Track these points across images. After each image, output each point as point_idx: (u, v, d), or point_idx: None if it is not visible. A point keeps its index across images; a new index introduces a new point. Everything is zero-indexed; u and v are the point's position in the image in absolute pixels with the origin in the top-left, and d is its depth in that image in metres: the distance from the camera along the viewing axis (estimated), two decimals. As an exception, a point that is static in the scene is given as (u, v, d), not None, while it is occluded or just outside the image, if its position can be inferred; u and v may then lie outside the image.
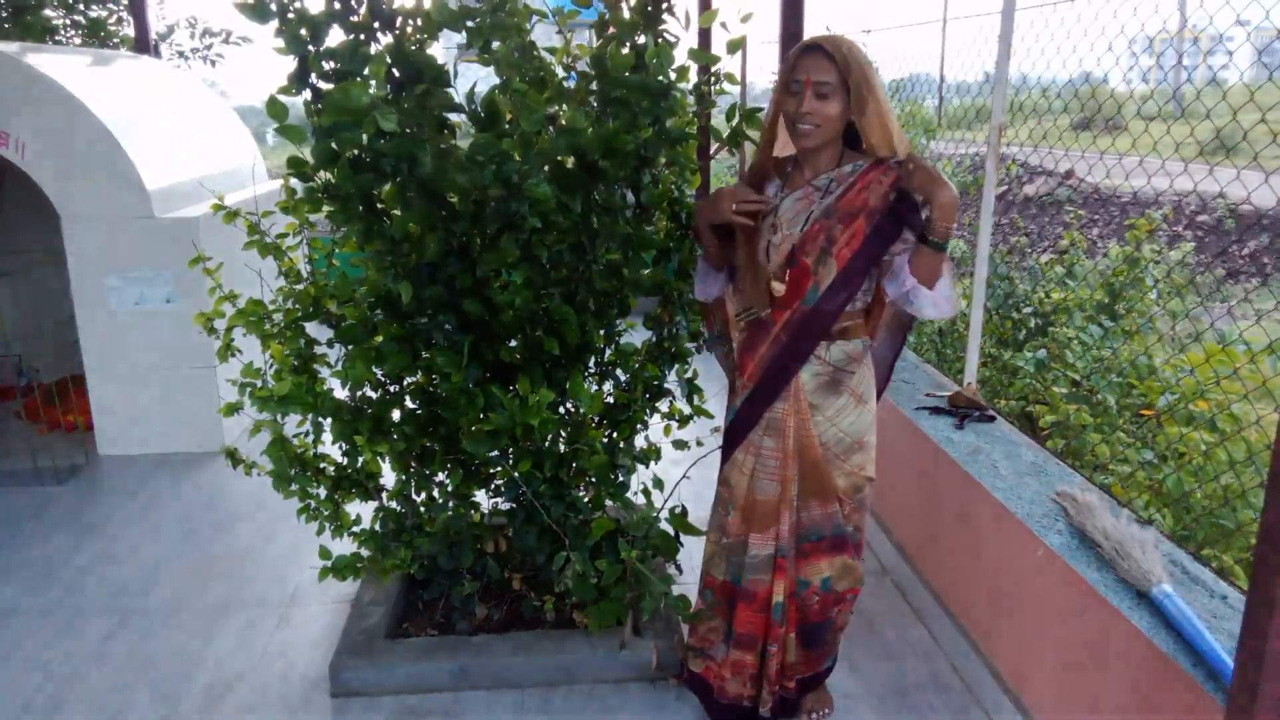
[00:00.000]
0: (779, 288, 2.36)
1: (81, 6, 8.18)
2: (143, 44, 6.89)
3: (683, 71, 2.46)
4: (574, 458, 2.96)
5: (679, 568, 3.11)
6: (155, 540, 3.98)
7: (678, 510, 3.04)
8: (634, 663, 2.96)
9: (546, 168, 2.50)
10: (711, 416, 3.19)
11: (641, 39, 2.54)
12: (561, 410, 3.03)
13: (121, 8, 8.08)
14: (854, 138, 2.34)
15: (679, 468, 3.34)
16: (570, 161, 2.57)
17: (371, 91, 2.23)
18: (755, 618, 2.60)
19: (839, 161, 2.35)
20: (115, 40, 8.15)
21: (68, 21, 8.22)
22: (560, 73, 2.67)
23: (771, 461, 2.48)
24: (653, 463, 3.24)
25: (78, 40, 8.12)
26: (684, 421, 3.24)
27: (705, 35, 6.75)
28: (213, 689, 2.98)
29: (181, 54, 8.33)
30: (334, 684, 2.93)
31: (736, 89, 2.87)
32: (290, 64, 2.40)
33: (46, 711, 2.89)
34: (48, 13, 7.97)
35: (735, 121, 2.64)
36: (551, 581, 3.22)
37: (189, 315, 4.72)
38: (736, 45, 2.57)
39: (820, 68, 2.20)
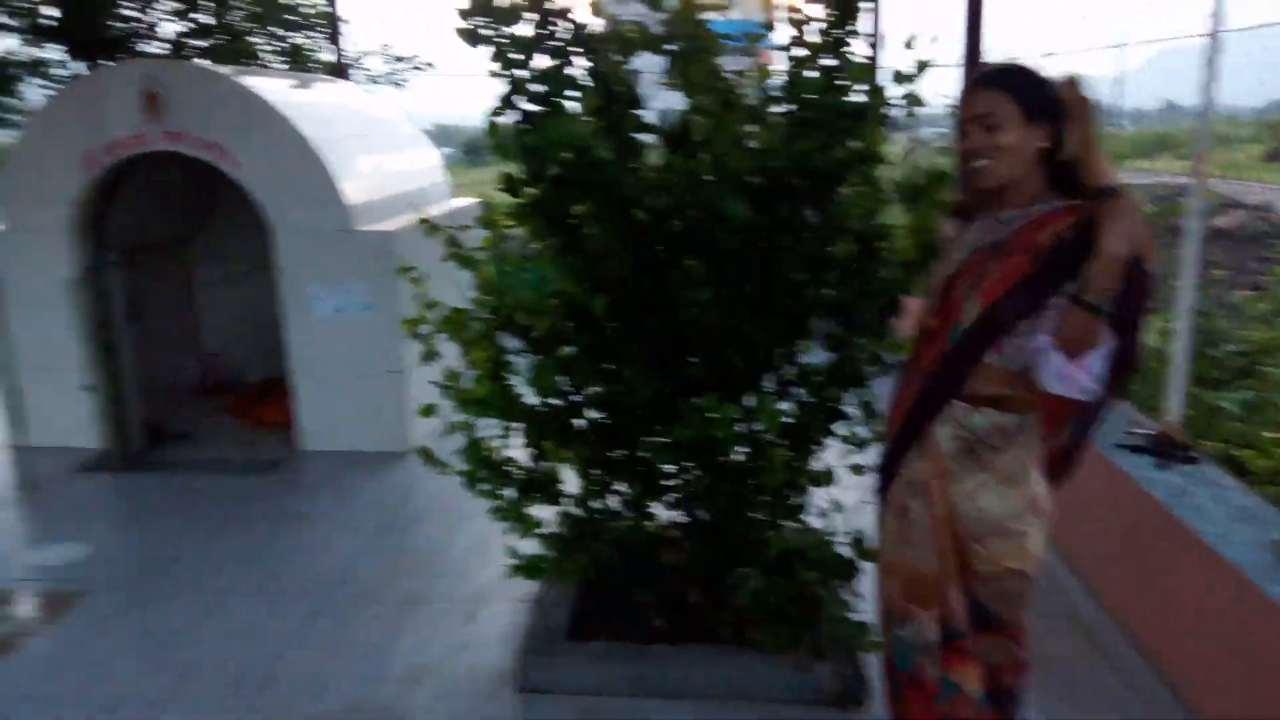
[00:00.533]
0: (930, 321, 2.16)
1: (283, 33, 8.84)
2: (338, 68, 7.38)
3: (877, 93, 2.45)
4: (753, 475, 2.97)
5: (858, 594, 3.07)
6: (351, 532, 4.26)
7: (856, 535, 3.00)
8: (813, 686, 2.94)
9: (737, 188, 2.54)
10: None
11: (830, 60, 2.55)
12: (741, 428, 3.06)
13: (321, 35, 8.69)
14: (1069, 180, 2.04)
15: (853, 494, 3.30)
16: (759, 181, 2.60)
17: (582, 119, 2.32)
18: (926, 713, 2.26)
19: (1034, 200, 2.05)
20: (312, 65, 8.77)
21: (272, 48, 8.90)
22: (749, 95, 2.70)
23: (919, 529, 2.18)
24: (826, 486, 3.22)
25: (279, 66, 8.79)
26: (861, 445, 3.21)
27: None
28: (407, 676, 3.16)
29: (373, 79, 8.89)
30: (519, 679, 3.05)
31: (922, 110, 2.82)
32: (500, 87, 2.54)
33: (259, 683, 3.14)
34: (255, 39, 8.66)
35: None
36: (728, 597, 3.24)
37: (383, 323, 5.03)
38: (924, 66, 2.55)
39: (985, 100, 2.00)
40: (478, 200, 6.80)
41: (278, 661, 3.26)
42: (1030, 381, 2.03)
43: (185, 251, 6.14)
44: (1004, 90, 1.99)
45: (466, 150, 22.98)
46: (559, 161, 2.38)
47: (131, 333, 5.38)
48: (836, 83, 2.42)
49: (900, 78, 2.53)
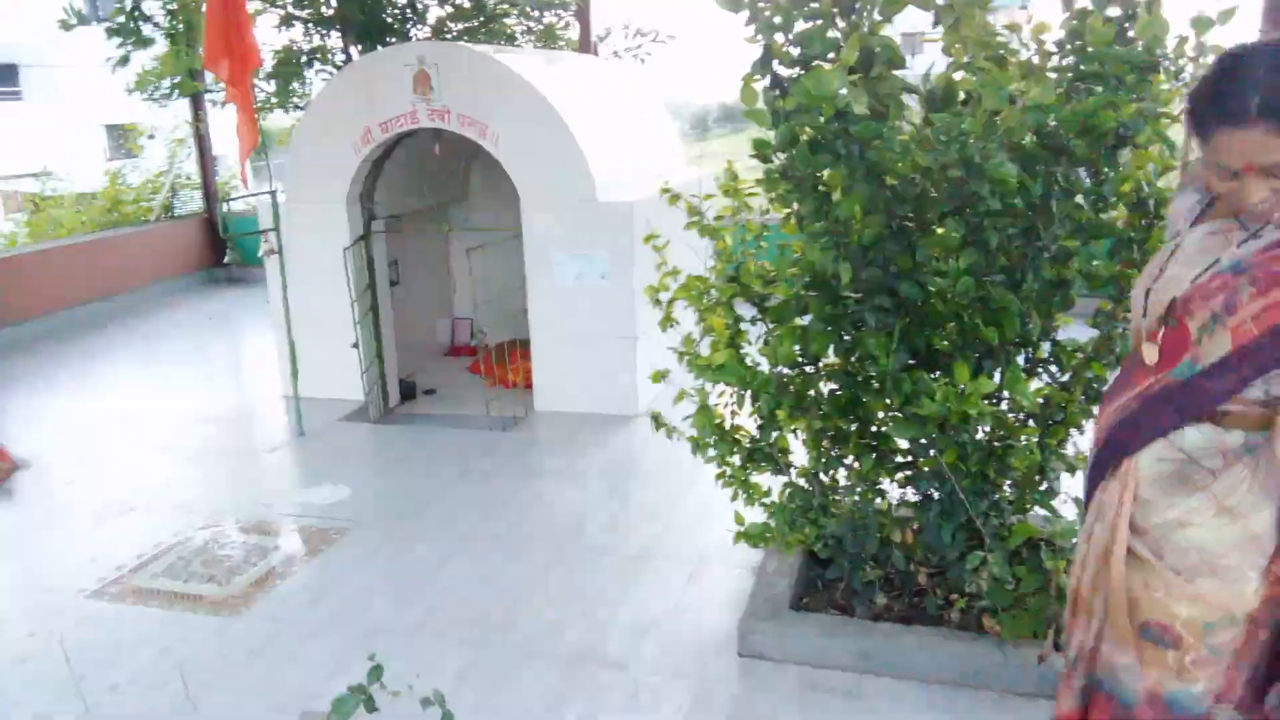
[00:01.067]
0: (1150, 352, 1.74)
1: (536, 14, 9.26)
2: (585, 45, 7.65)
3: (1179, 44, 2.25)
4: (1002, 455, 2.84)
5: (1107, 586, 2.87)
6: (582, 489, 4.45)
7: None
8: (1053, 679, 2.78)
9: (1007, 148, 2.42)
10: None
11: (1115, 10, 2.36)
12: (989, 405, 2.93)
13: (570, 14, 9.03)
14: None
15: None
16: (1030, 141, 2.46)
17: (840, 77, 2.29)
18: None
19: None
20: (561, 44, 9.14)
21: (524, 27, 9.35)
22: (1021, 50, 2.56)
23: (1095, 547, 1.88)
24: (1080, 472, 3.02)
25: (531, 45, 9.22)
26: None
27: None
28: (634, 628, 3.27)
29: (615, 53, 9.16)
30: (742, 644, 3.08)
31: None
32: (754, 53, 2.54)
33: (499, 623, 3.34)
34: (508, 20, 9.13)
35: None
36: (959, 580, 3.12)
37: (618, 291, 5.20)
38: (1229, 15, 2.31)
39: (1266, 146, 1.49)
40: (707, 173, 6.86)
41: (515, 605, 3.46)
42: (1273, 396, 1.65)
43: (442, 221, 6.60)
44: None
45: (693, 125, 23.33)
46: (815, 124, 2.36)
47: (392, 296, 5.86)
48: (1126, 34, 2.24)
49: (1200, 25, 2.31)
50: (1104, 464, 1.85)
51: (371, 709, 2.00)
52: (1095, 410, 2.91)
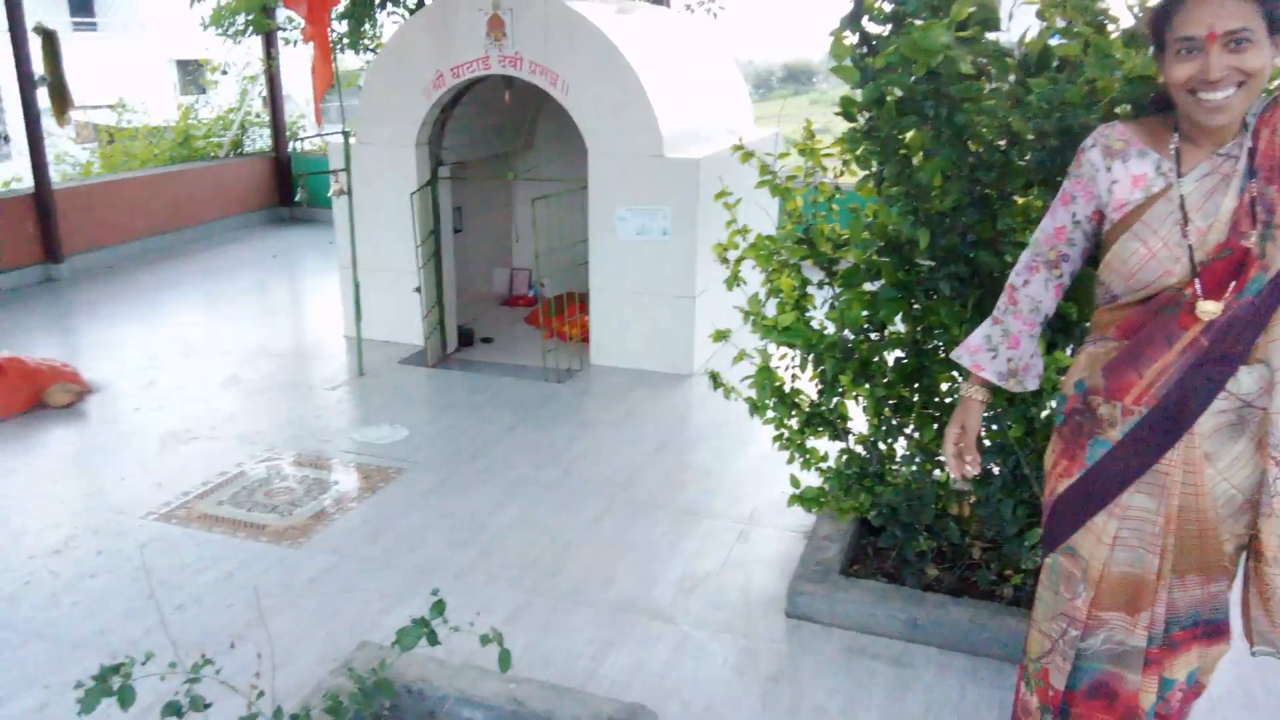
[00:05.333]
0: (1211, 309, 1.74)
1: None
2: (657, -3, 7.54)
3: None
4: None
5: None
6: (635, 443, 4.47)
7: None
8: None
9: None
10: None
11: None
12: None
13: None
14: None
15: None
16: (1127, 111, 2.38)
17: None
18: None
19: (1244, 120, 1.74)
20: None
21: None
22: (1126, 16, 2.47)
23: (1149, 527, 1.87)
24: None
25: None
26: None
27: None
28: (682, 582, 3.30)
29: (688, 7, 9.03)
30: (790, 605, 3.09)
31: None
32: (845, 7, 2.49)
33: (550, 569, 3.39)
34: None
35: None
36: (1013, 556, 3.09)
37: (678, 249, 5.17)
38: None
39: (1234, 10, 1.61)
40: (778, 131, 6.77)
41: (566, 552, 3.51)
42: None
43: (507, 169, 6.61)
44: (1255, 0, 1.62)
45: (755, 85, 23.05)
46: (905, 83, 2.31)
47: (454, 243, 5.89)
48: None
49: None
50: (1165, 432, 1.82)
51: (434, 642, 2.05)
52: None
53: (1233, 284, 1.73)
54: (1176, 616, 1.93)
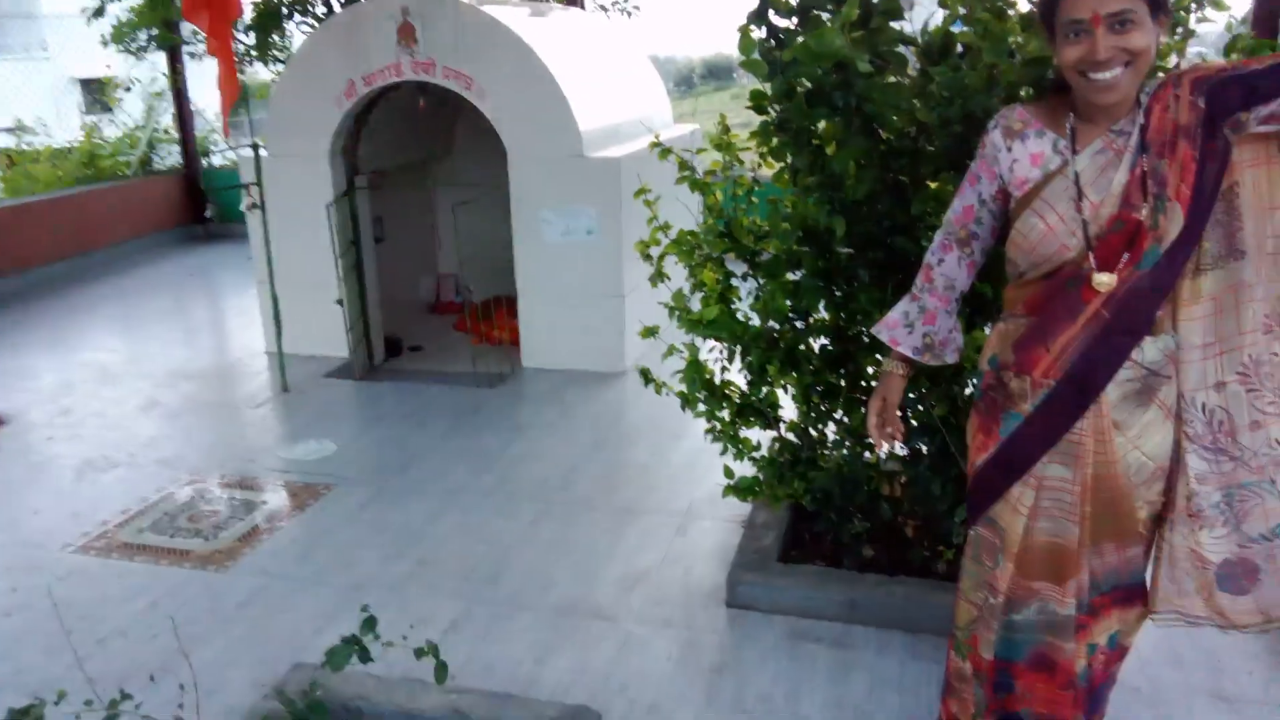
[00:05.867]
0: (1106, 280, 1.79)
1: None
2: (571, -1, 7.53)
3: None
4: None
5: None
6: (570, 444, 4.45)
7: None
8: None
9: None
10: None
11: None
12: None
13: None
14: None
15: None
16: (1029, 95, 2.44)
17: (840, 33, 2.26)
18: (1061, 695, 2.06)
19: (1138, 97, 1.80)
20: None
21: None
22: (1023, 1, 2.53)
23: (1066, 496, 1.93)
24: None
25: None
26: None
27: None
28: (623, 580, 3.30)
29: (602, 7, 9.02)
30: (730, 595, 3.11)
31: (1221, 17, 2.54)
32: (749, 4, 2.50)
33: (488, 576, 3.36)
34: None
35: (1234, 57, 2.35)
36: (947, 532, 3.15)
37: (605, 248, 5.17)
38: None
39: None
40: (697, 128, 6.81)
41: (505, 558, 3.47)
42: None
43: (427, 176, 6.52)
44: None
45: (677, 82, 23.17)
46: (813, 76, 2.33)
47: (376, 252, 5.79)
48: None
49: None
50: (1072, 403, 1.87)
51: (366, 659, 2.01)
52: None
53: (1126, 256, 1.78)
54: (1096, 583, 1.99)
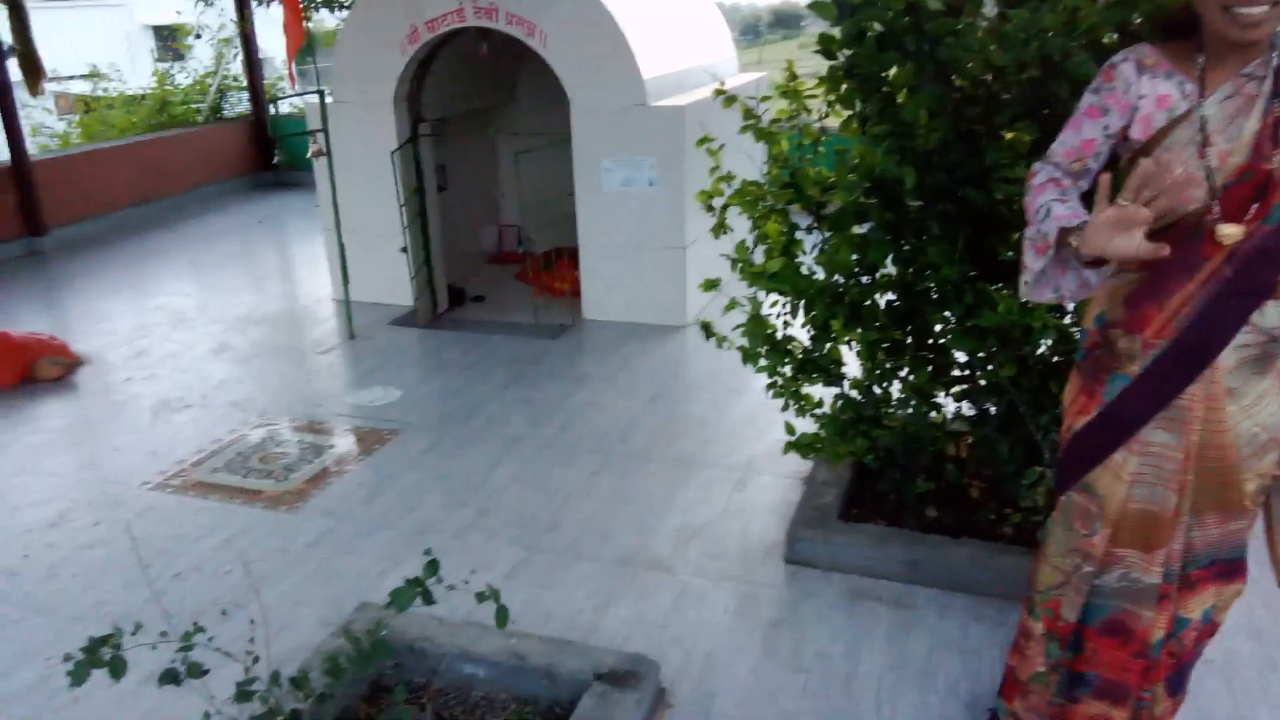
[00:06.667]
0: (1231, 232, 1.66)
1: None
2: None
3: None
4: (1065, 369, 2.77)
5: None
6: (630, 396, 4.46)
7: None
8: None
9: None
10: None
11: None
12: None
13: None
14: None
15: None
16: (1112, 40, 2.32)
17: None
18: (1132, 663, 1.99)
19: (1272, 39, 1.65)
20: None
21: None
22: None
23: (1168, 463, 1.83)
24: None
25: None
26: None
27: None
28: (681, 533, 3.30)
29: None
30: (789, 550, 3.10)
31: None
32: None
33: (548, 525, 3.39)
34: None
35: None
36: (1014, 495, 3.09)
37: (667, 199, 5.11)
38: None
39: None
40: (763, 76, 6.66)
41: (564, 507, 3.50)
42: None
43: (489, 124, 6.50)
44: None
45: (743, 30, 22.72)
46: (884, 19, 2.25)
47: (439, 201, 5.82)
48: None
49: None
50: (1188, 365, 1.76)
51: (429, 601, 2.04)
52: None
53: (1255, 208, 1.66)
54: (1194, 555, 1.91)
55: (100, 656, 1.80)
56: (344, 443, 4.11)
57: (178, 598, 3.00)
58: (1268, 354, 1.74)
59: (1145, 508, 1.88)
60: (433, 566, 2.08)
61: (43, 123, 11.22)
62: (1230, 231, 1.66)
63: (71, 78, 12.92)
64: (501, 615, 2.09)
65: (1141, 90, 1.76)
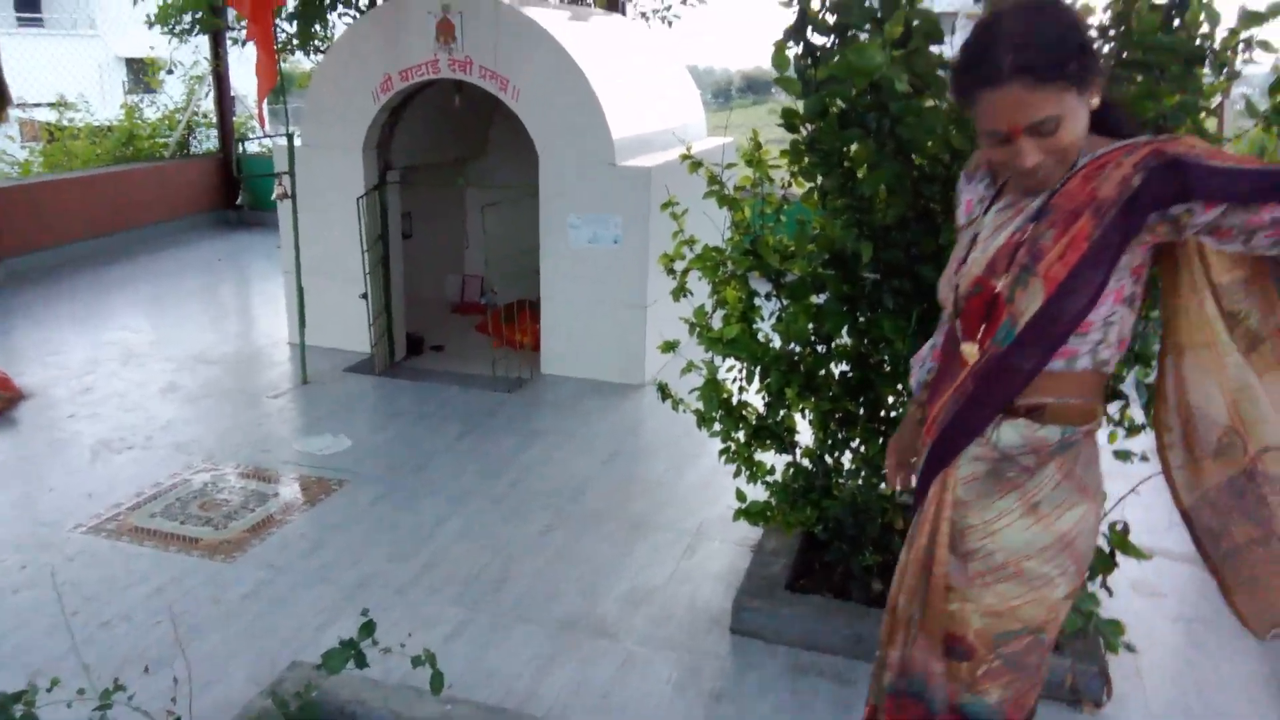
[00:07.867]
0: (968, 351, 1.69)
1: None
2: (613, 3, 7.52)
3: (1230, 37, 2.17)
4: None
5: (1109, 590, 2.84)
6: (584, 454, 4.42)
7: (1119, 527, 2.76)
8: (1048, 681, 2.75)
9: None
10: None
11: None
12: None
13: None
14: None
15: (1120, 483, 3.03)
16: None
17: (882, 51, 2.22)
18: None
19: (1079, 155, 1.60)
20: (588, 1, 8.99)
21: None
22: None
23: (907, 555, 1.87)
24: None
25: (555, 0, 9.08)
26: (1134, 431, 2.93)
27: None
28: (628, 597, 3.26)
29: (643, 14, 9.00)
30: (735, 620, 3.06)
31: (1271, 58, 2.47)
32: (788, 18, 2.47)
33: (493, 584, 3.33)
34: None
35: (1278, 100, 2.28)
36: (960, 570, 3.09)
37: (630, 258, 5.14)
38: (1278, 9, 2.23)
39: (1037, 102, 1.47)
40: (729, 141, 6.77)
41: (511, 566, 3.44)
42: (1097, 381, 1.64)
43: (458, 175, 6.52)
44: (1057, 81, 1.46)
45: (714, 94, 23.17)
46: (847, 96, 2.29)
47: (403, 249, 5.80)
48: (1174, 23, 2.16)
49: (1251, 19, 2.23)
50: (934, 467, 1.79)
51: (362, 664, 1.98)
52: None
53: (984, 326, 1.66)
54: (904, 679, 1.90)
55: (12, 713, 1.72)
56: (289, 491, 4.03)
57: (104, 647, 2.89)
58: (999, 471, 1.72)
59: (894, 595, 1.91)
60: (368, 628, 2.03)
61: (4, 149, 11.08)
62: (969, 351, 1.70)
63: (39, 105, 12.80)
64: (436, 681, 2.03)
65: (964, 195, 1.83)
